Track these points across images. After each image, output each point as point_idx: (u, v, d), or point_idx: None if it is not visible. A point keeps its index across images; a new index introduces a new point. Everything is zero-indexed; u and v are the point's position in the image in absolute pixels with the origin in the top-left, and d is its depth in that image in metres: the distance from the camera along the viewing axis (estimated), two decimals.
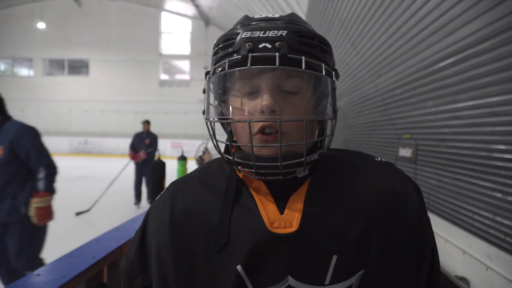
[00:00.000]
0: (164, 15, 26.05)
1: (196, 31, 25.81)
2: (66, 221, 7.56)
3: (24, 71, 28.34)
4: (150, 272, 0.90)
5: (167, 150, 21.78)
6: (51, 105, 25.67)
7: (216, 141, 0.88)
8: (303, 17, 10.21)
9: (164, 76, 26.98)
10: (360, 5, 5.54)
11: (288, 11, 11.47)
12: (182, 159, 3.73)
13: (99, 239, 2.47)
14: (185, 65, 27.16)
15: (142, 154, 9.23)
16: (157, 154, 4.00)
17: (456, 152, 3.72)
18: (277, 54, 0.78)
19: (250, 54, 0.79)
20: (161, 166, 3.52)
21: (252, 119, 0.80)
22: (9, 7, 25.82)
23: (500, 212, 3.10)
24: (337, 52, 6.91)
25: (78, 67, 27.28)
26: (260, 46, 0.80)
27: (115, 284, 2.34)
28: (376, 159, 0.96)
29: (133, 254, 0.93)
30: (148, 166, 8.67)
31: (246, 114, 0.83)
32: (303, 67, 0.78)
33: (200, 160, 3.20)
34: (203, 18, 24.98)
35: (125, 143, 23.37)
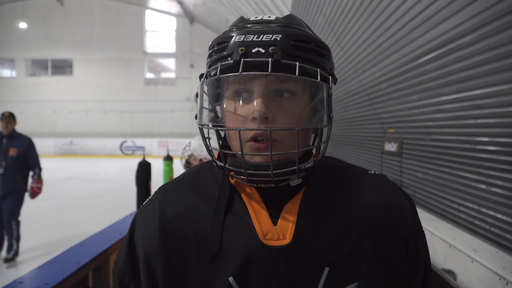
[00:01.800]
0: (148, 13, 25.87)
1: (181, 29, 25.68)
2: (52, 223, 7.49)
3: (6, 72, 27.94)
4: (141, 279, 0.88)
5: (154, 149, 21.70)
6: (35, 106, 25.36)
7: (210, 148, 0.87)
8: (287, 13, 10.15)
9: (149, 75, 26.82)
10: (344, 1, 5.55)
11: (273, 8, 11.44)
12: (168, 159, 3.70)
13: (83, 243, 2.44)
14: (170, 63, 27.04)
15: None
16: (141, 153, 3.95)
17: (441, 145, 3.75)
18: (270, 59, 0.75)
19: (242, 59, 0.76)
20: (146, 166, 3.48)
21: (243, 127, 0.78)
22: None
23: (485, 203, 3.13)
24: None
25: (61, 67, 26.99)
26: (254, 50, 0.77)
27: None
28: (369, 171, 0.95)
29: (122, 262, 0.90)
30: (15, 197, 5.64)
31: (238, 119, 0.81)
32: (297, 73, 0.76)
33: (187, 164, 3.17)
34: (188, 16, 24.86)
35: (111, 143, 23.41)
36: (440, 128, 3.75)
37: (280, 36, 0.78)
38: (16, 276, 1.92)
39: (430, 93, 3.79)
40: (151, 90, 25.66)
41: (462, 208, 3.44)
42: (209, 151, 0.88)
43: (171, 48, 26.12)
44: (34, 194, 5.84)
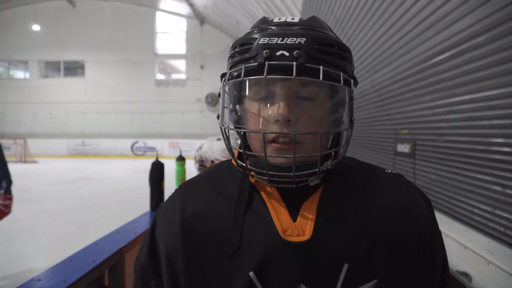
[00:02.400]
0: (158, 14, 26.00)
1: (191, 30, 25.77)
2: (65, 223, 7.57)
3: (20, 74, 28.27)
4: (163, 275, 0.89)
5: (164, 150, 21.78)
6: (47, 107, 25.61)
7: (231, 147, 0.88)
8: (298, 14, 10.21)
9: (160, 76, 26.95)
10: (355, 2, 5.53)
11: (283, 9, 11.43)
12: (180, 159, 3.71)
13: (99, 242, 2.46)
14: (181, 64, 27.14)
15: None
16: (152, 154, 3.91)
17: (454, 146, 3.72)
18: (294, 63, 0.76)
19: (267, 62, 0.77)
20: (160, 167, 3.50)
21: (266, 130, 0.79)
22: (3, 10, 25.72)
23: (500, 206, 3.10)
24: None
25: (73, 69, 27.23)
26: (278, 53, 0.78)
27: (116, 287, 2.34)
28: (386, 171, 0.96)
29: (144, 258, 0.92)
30: None
31: (261, 121, 0.82)
32: (321, 77, 0.76)
33: (200, 167, 3.18)
34: (198, 17, 24.93)
35: (122, 144, 23.55)
36: (454, 129, 3.72)
37: (304, 39, 0.79)
38: (34, 274, 1.95)
39: (443, 93, 3.77)
40: (161, 91, 25.78)
41: (476, 210, 3.41)
42: (229, 150, 0.88)
43: (182, 49, 26.21)
44: (1, 214, 4.20)
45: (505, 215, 3.03)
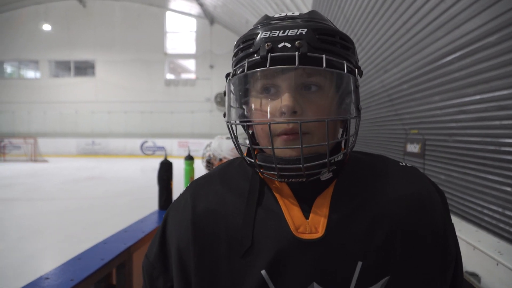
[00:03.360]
0: (168, 14, 26.10)
1: (201, 30, 25.84)
2: (74, 222, 7.62)
3: (30, 74, 28.52)
4: (171, 273, 0.89)
5: (174, 150, 21.87)
6: (58, 106, 25.82)
7: (238, 144, 0.87)
8: None
9: (169, 76, 27.05)
10: (365, 1, 5.51)
11: (293, 8, 11.44)
12: (189, 158, 3.72)
13: (107, 241, 2.48)
14: (190, 64, 27.22)
15: None
16: (161, 154, 3.92)
17: (464, 147, 3.69)
18: (296, 53, 0.76)
19: (269, 54, 0.77)
20: (168, 166, 3.51)
21: (273, 121, 0.79)
22: (14, 9, 25.99)
23: (510, 206, 3.07)
24: None
25: (84, 68, 27.42)
26: (280, 45, 0.78)
27: (124, 286, 2.35)
28: (400, 163, 0.94)
29: (153, 255, 0.92)
30: None
31: (267, 115, 0.81)
32: (324, 65, 0.76)
33: (208, 165, 3.18)
34: (208, 17, 24.99)
35: (132, 144, 23.68)
36: (464, 129, 3.69)
37: (305, 30, 0.79)
38: (42, 273, 1.96)
39: (453, 93, 3.74)
40: (171, 91, 25.88)
41: (486, 211, 3.38)
42: (238, 148, 0.88)
43: (191, 49, 26.30)
44: None
45: None
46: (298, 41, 0.77)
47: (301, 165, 0.78)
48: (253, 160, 0.84)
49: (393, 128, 5.90)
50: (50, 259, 5.59)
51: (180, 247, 0.87)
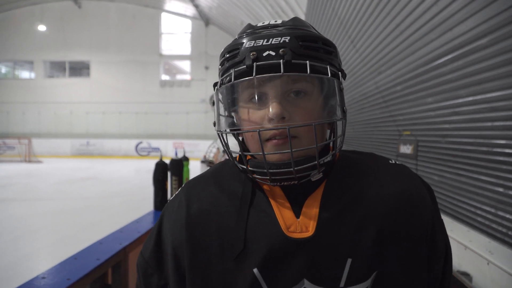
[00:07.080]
0: (163, 15, 26.08)
1: (196, 31, 25.84)
2: (69, 223, 7.60)
3: (25, 74, 28.42)
4: (166, 271, 0.91)
5: (169, 151, 21.83)
6: (52, 107, 25.73)
7: (230, 152, 0.89)
8: (302, 16, 10.23)
9: (165, 77, 27.02)
10: (359, 4, 5.55)
11: (288, 11, 11.47)
12: (184, 159, 3.73)
13: (103, 241, 2.49)
14: (185, 65, 27.21)
15: None
16: (156, 155, 3.94)
17: (457, 148, 3.72)
18: (281, 61, 0.78)
19: (254, 63, 0.80)
20: (163, 167, 3.52)
21: (262, 128, 0.81)
22: (9, 10, 25.87)
23: (502, 207, 3.10)
24: None
25: (79, 69, 27.35)
26: (264, 54, 0.80)
27: (119, 286, 2.36)
28: (390, 161, 0.96)
29: (149, 253, 0.94)
30: None
31: (256, 122, 0.84)
32: (308, 71, 0.78)
33: (208, 162, 3.20)
34: (203, 18, 24.99)
35: (127, 144, 23.62)
36: (456, 131, 3.72)
37: (288, 38, 0.81)
38: (37, 273, 1.97)
39: (446, 95, 3.77)
40: (166, 92, 25.85)
41: (478, 212, 3.41)
42: (230, 155, 0.90)
43: (187, 50, 26.29)
44: None
45: (508, 216, 3.03)
46: (282, 49, 0.80)
47: (292, 169, 0.80)
48: (245, 167, 0.86)
49: (387, 129, 5.93)
50: (45, 260, 5.57)
51: (175, 245, 0.89)
